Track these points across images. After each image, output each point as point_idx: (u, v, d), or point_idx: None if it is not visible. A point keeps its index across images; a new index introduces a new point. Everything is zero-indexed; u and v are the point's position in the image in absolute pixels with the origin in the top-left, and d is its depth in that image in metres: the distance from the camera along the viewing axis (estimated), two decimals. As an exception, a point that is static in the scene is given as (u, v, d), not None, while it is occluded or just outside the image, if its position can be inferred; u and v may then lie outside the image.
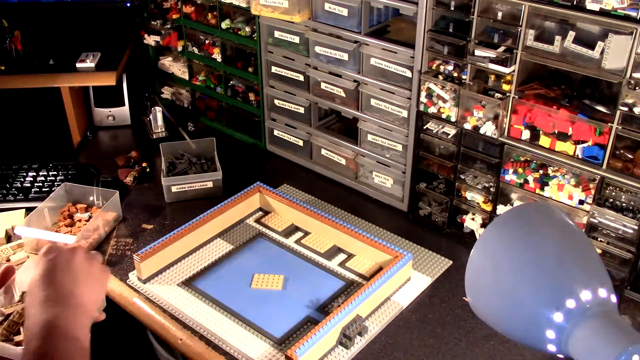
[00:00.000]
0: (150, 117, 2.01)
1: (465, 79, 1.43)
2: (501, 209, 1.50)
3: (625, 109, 1.23)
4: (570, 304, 0.79)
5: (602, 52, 1.23)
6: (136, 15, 2.08)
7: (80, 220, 1.61)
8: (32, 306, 0.96)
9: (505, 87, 1.38)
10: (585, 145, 1.32)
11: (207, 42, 2.00)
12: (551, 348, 0.81)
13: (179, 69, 2.13)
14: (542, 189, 1.41)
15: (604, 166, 1.31)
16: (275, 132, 1.93)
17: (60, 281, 0.99)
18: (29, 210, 1.62)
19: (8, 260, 1.51)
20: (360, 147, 1.74)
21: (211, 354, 1.29)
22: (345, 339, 1.28)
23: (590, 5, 1.20)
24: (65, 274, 1.00)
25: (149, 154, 1.94)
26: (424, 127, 1.55)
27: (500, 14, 1.33)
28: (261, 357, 1.27)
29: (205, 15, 1.94)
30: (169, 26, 2.02)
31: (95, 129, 2.12)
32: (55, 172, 1.80)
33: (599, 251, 1.35)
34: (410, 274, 1.46)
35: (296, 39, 1.75)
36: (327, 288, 1.44)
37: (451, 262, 1.52)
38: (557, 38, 1.28)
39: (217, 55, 1.97)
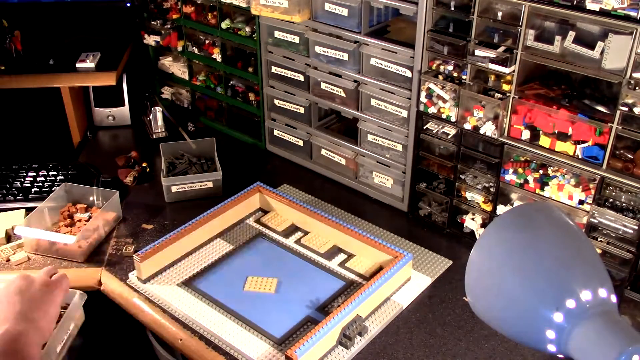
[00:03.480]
0: (150, 117, 2.01)
1: (465, 79, 1.43)
2: (501, 209, 1.50)
3: (625, 109, 1.23)
4: (570, 304, 0.79)
5: (602, 52, 1.23)
6: (136, 15, 2.08)
7: (80, 220, 1.61)
8: None
9: (505, 87, 1.38)
10: (585, 145, 1.32)
11: (207, 42, 1.99)
12: (551, 348, 0.81)
13: (179, 69, 2.13)
14: (542, 189, 1.41)
15: (604, 166, 1.30)
16: (275, 132, 1.93)
17: (23, 302, 1.10)
18: (29, 210, 1.61)
19: (8, 260, 1.51)
20: (360, 147, 1.74)
21: (211, 354, 1.29)
22: (345, 339, 1.28)
23: (590, 5, 1.20)
24: (26, 298, 1.12)
25: (149, 154, 1.94)
26: (424, 127, 1.55)
27: (500, 14, 1.33)
28: (261, 357, 1.27)
29: (205, 15, 1.94)
30: (169, 26, 2.01)
31: (95, 129, 2.12)
32: (55, 172, 1.80)
33: (599, 251, 1.34)
34: (410, 274, 1.46)
35: (296, 39, 1.75)
36: (327, 288, 1.44)
37: (451, 262, 1.52)
38: (557, 38, 1.28)
39: (217, 55, 1.97)
